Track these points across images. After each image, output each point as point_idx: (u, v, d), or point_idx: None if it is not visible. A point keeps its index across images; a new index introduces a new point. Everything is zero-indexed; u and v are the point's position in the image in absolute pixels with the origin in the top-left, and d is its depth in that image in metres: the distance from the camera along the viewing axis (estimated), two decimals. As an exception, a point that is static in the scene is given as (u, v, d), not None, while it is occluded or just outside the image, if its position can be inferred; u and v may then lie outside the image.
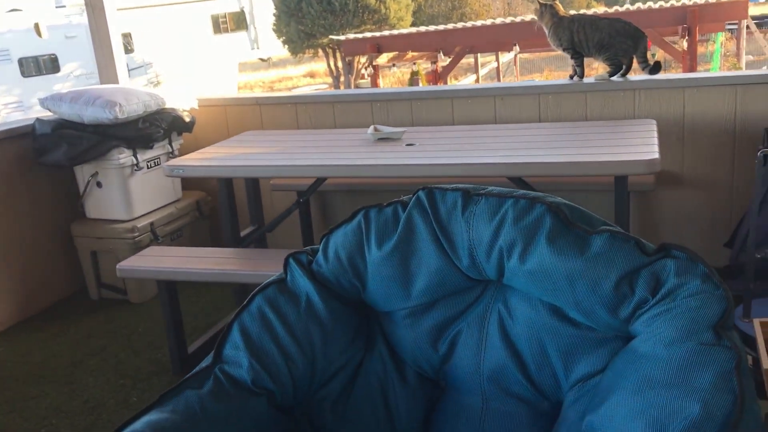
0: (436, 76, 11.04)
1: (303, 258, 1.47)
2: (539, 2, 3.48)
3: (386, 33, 11.17)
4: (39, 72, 19.69)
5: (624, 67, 3.43)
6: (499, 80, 17.63)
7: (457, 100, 3.73)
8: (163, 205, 3.88)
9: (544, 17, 3.44)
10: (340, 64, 23.30)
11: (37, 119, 3.63)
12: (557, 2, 3.49)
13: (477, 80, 15.21)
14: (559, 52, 3.52)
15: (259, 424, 1.29)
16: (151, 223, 3.72)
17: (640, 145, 2.66)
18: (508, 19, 11.25)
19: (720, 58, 19.37)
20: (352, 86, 15.07)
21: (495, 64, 17.71)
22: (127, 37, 21.80)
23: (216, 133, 4.07)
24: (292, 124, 4.00)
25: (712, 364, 1.00)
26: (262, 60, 28.12)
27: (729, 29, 18.35)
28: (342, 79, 22.83)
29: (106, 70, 4.24)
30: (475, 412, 1.35)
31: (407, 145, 3.06)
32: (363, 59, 16.70)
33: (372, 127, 3.28)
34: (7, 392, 2.91)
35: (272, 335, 1.36)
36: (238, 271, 2.72)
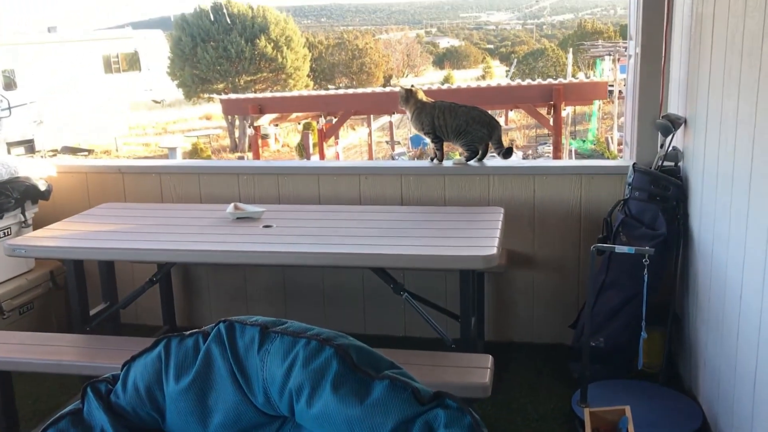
0: (322, 135, 11.23)
1: (102, 387, 1.43)
2: (403, 88, 3.60)
3: (269, 94, 11.30)
4: None
5: (480, 152, 3.59)
6: (392, 133, 18.05)
7: (324, 176, 3.78)
8: (11, 277, 3.69)
9: (409, 102, 3.56)
10: (236, 109, 23.21)
11: None
12: (419, 89, 3.64)
13: (370, 134, 15.51)
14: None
15: None
16: (-3, 297, 3.53)
17: (484, 238, 2.77)
18: (388, 89, 11.66)
19: (598, 120, 20.63)
20: (248, 137, 14.95)
21: (389, 118, 18.14)
22: (9, 73, 20.89)
23: (76, 202, 3.94)
24: (156, 194, 3.93)
25: None
26: (156, 102, 27.60)
27: (610, 90, 19.58)
28: (237, 123, 22.70)
29: (-41, 131, 4.03)
30: None
31: (264, 226, 3.06)
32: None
33: (232, 204, 3.27)
34: None
35: (58, 475, 1.31)
36: (76, 363, 2.61)
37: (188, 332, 1.43)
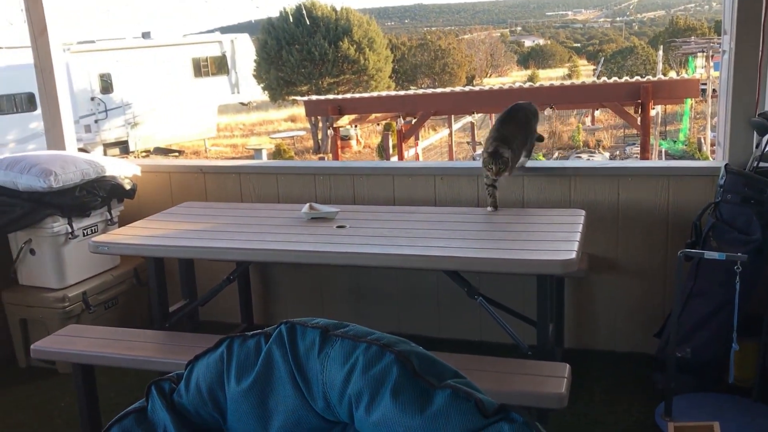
0: (401, 136, 11.21)
1: (166, 386, 1.43)
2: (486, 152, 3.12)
3: (348, 96, 11.36)
4: (14, 110, 19.65)
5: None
6: (473, 134, 17.88)
7: (399, 177, 3.75)
8: (98, 272, 3.82)
9: (500, 160, 3.01)
10: (319, 111, 23.53)
11: (-28, 185, 3.59)
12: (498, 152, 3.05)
13: (450, 134, 15.40)
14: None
15: None
16: (84, 292, 3.66)
17: (563, 241, 2.66)
18: (467, 88, 11.53)
19: (690, 119, 19.81)
20: (329, 137, 15.16)
21: (470, 119, 17.97)
22: (106, 77, 21.88)
23: (160, 200, 4.04)
24: (235, 193, 3.99)
25: None
26: (243, 104, 28.32)
27: (703, 88, 18.79)
28: (321, 125, 23.02)
29: (53, 134, 4.21)
30: None
31: (338, 227, 3.05)
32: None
33: (307, 205, 3.28)
34: None
35: (122, 473, 1.31)
36: (152, 358, 2.67)
37: (251, 333, 1.42)
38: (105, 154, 19.28)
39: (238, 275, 3.54)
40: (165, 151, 23.60)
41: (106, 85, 21.90)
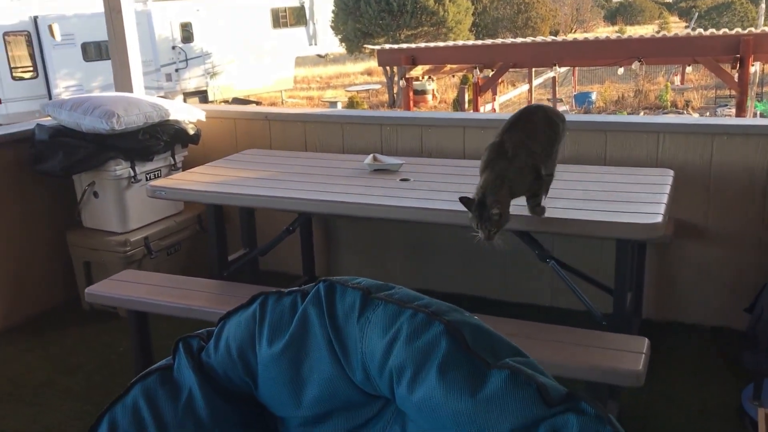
0: (477, 89, 10.73)
1: (194, 343, 1.30)
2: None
3: (422, 45, 10.89)
4: (100, 57, 20.09)
5: None
6: (554, 90, 17.22)
7: (470, 129, 3.52)
8: (161, 218, 3.77)
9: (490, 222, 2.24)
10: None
11: (38, 125, 3.58)
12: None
13: (530, 90, 14.83)
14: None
15: None
16: (146, 238, 3.62)
17: (648, 203, 2.41)
18: (549, 38, 10.92)
19: (790, 80, 18.47)
20: (401, 91, 14.78)
21: (551, 74, 17.30)
22: (187, 26, 22.08)
23: (224, 146, 3.95)
24: (299, 142, 3.86)
25: None
26: (320, 56, 28.19)
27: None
28: (396, 79, 22.67)
29: (121, 77, 4.15)
30: None
31: (401, 180, 2.87)
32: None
33: (371, 156, 3.12)
34: (-28, 409, 2.85)
35: (141, 435, 1.20)
36: (204, 308, 2.58)
37: (287, 290, 1.27)
38: (185, 102, 19.54)
39: (300, 226, 3.42)
40: (243, 102, 23.79)
41: (187, 35, 22.09)
